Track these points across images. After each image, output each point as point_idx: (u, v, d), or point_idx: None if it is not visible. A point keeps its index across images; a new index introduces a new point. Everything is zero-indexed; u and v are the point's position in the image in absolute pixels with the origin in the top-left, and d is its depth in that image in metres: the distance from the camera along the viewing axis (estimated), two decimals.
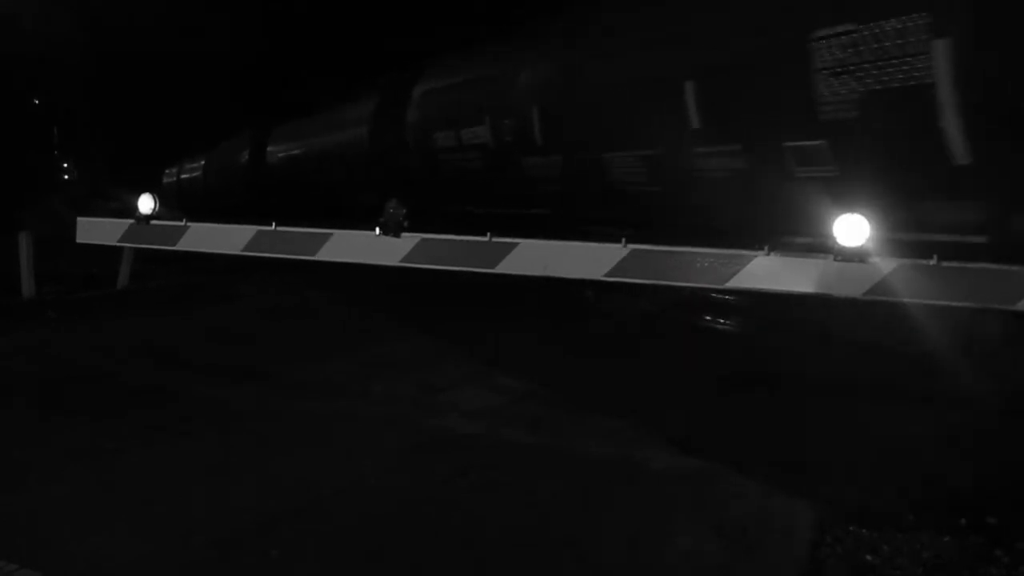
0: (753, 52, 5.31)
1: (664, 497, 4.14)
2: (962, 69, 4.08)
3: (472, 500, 4.09)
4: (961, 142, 4.22)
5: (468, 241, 4.59)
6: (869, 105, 4.59)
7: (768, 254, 3.82)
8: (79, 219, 5.95)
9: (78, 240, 5.95)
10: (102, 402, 5.70)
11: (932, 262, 3.51)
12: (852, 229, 3.61)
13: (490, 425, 5.27)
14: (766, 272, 3.81)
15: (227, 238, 5.42)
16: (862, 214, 3.62)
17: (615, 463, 4.60)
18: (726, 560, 3.48)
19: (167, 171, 20.96)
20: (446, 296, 8.96)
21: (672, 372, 6.57)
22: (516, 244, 4.42)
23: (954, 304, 3.53)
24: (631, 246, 4.14)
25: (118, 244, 5.98)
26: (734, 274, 3.87)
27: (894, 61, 4.39)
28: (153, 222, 5.59)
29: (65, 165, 24.88)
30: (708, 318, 8.44)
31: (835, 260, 3.66)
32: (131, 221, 5.65)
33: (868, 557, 3.39)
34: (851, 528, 3.61)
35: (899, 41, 4.33)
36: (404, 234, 4.72)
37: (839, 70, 4.67)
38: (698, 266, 3.95)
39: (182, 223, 5.52)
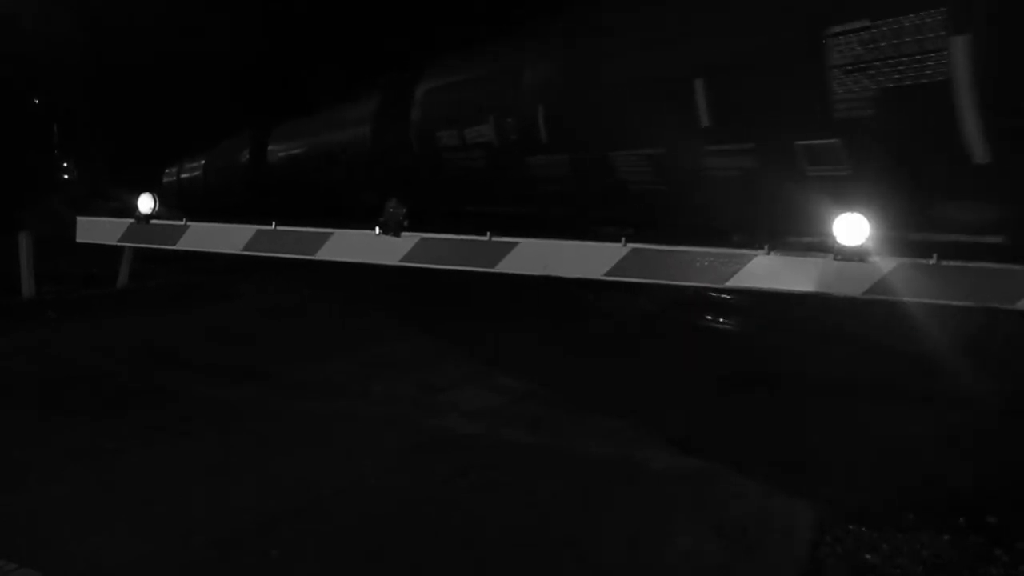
0: (765, 49, 5.23)
1: (664, 497, 4.14)
2: (981, 66, 4.01)
3: (472, 500, 4.08)
4: (980, 141, 4.14)
5: (468, 240, 4.59)
6: (884, 103, 4.52)
7: (768, 253, 3.82)
8: (79, 219, 5.96)
9: (78, 240, 5.95)
10: (102, 402, 5.70)
11: (932, 261, 3.51)
12: (852, 228, 3.61)
13: (490, 425, 5.27)
14: (766, 271, 3.82)
15: (227, 237, 5.43)
16: (862, 213, 3.62)
17: (615, 463, 4.60)
18: (726, 560, 3.48)
19: (167, 171, 20.96)
20: (446, 296, 8.97)
21: (672, 372, 6.57)
22: (516, 243, 4.42)
23: (954, 303, 3.53)
24: (631, 245, 4.14)
25: (118, 244, 5.99)
26: (734, 273, 3.87)
27: (911, 58, 4.31)
28: (153, 221, 5.59)
29: (65, 165, 24.89)
30: (708, 318, 8.44)
31: (835, 259, 3.66)
32: (131, 221, 5.66)
33: (868, 556, 3.39)
34: (851, 528, 3.61)
35: (916, 37, 4.26)
36: (404, 233, 4.72)
37: (853, 67, 4.60)
38: (698, 265, 3.96)
39: (182, 223, 5.52)
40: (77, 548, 3.52)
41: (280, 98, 18.06)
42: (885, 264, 3.57)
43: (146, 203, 5.53)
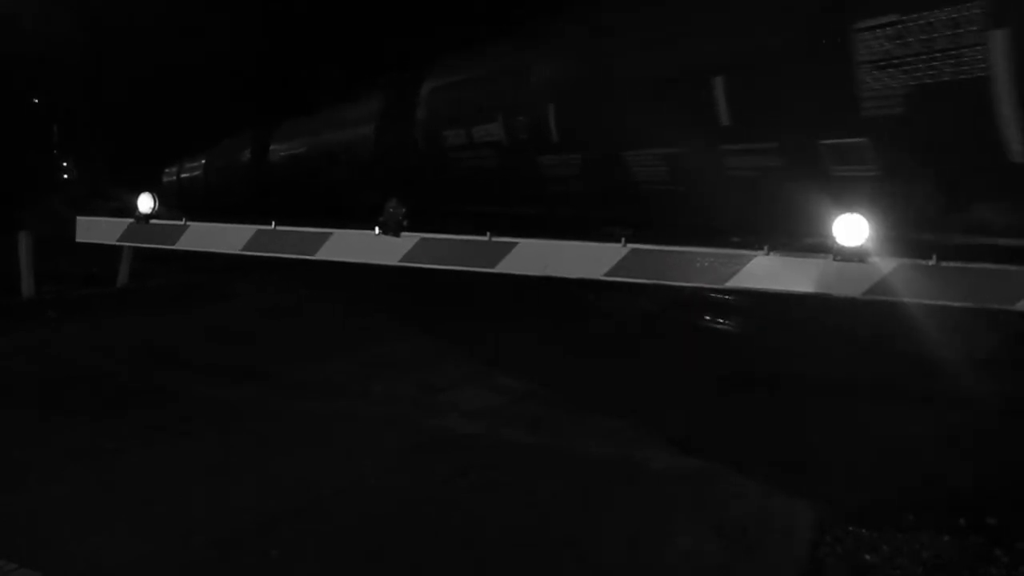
0: (789, 44, 5.08)
1: (664, 497, 4.14)
2: (1021, 61, 3.87)
3: (472, 500, 4.09)
4: (1019, 139, 4.02)
5: (468, 240, 4.58)
6: (916, 100, 4.37)
7: (768, 254, 3.81)
8: (79, 218, 5.94)
9: (78, 239, 5.94)
10: (102, 402, 5.70)
11: (932, 262, 3.50)
12: (852, 229, 3.61)
13: (490, 425, 5.27)
14: (766, 272, 3.80)
15: (227, 237, 5.41)
16: (861, 213, 3.61)
17: (615, 463, 4.60)
18: (726, 560, 3.48)
19: (167, 170, 20.97)
20: (446, 296, 8.97)
21: (672, 372, 6.57)
22: (516, 244, 4.41)
23: (954, 304, 3.52)
24: (631, 245, 4.13)
25: (118, 243, 5.98)
26: (734, 274, 3.86)
27: (945, 53, 4.16)
28: (153, 221, 5.58)
29: (65, 165, 24.89)
30: (708, 318, 8.44)
31: (835, 260, 3.65)
32: (131, 220, 5.65)
33: (868, 557, 3.39)
34: (851, 528, 3.61)
35: (951, 32, 4.10)
36: (404, 233, 4.71)
37: (883, 63, 4.45)
38: (698, 266, 3.95)
39: (182, 222, 5.51)
40: (77, 548, 3.52)
41: (281, 98, 18.06)
42: (885, 265, 3.56)
43: (146, 203, 5.52)
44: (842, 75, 4.67)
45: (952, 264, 3.48)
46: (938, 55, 4.22)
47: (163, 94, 21.73)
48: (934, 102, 4.33)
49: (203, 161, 18.76)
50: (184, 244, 5.51)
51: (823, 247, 3.74)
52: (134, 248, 8.65)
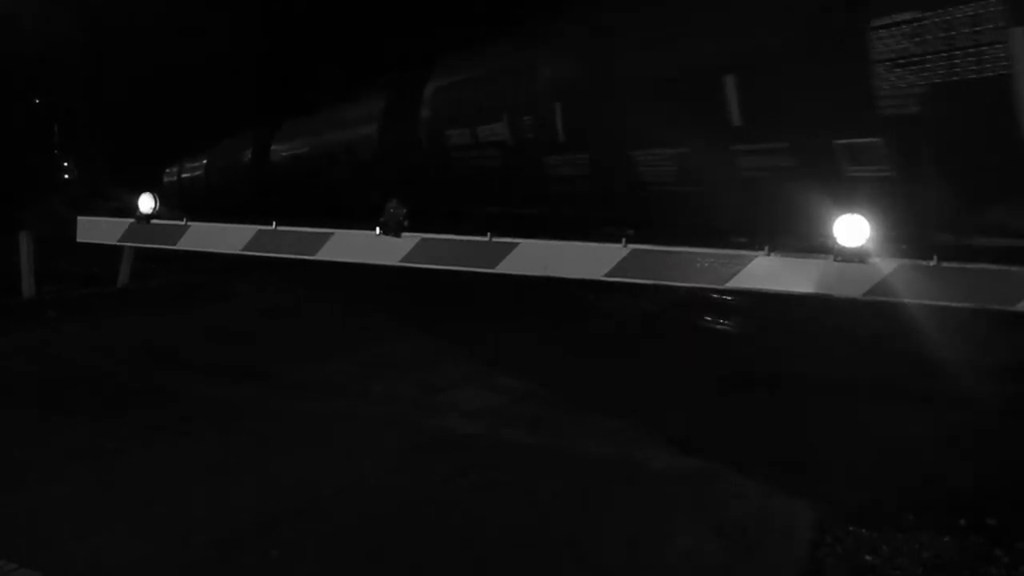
0: (802, 42, 5.02)
1: (664, 497, 4.14)
2: None
3: (472, 500, 4.09)
4: None
5: (468, 241, 4.59)
6: (933, 99, 4.32)
7: (768, 254, 3.82)
8: (79, 218, 5.95)
9: (78, 239, 5.95)
10: (102, 402, 5.70)
11: (932, 263, 3.51)
12: (852, 229, 3.61)
13: (490, 425, 5.27)
14: (766, 272, 3.81)
15: (227, 238, 5.42)
16: (862, 214, 3.62)
17: (615, 463, 4.60)
18: (726, 560, 3.48)
19: (168, 170, 20.98)
20: (446, 295, 8.97)
21: (672, 372, 6.57)
22: (516, 244, 4.42)
23: (954, 305, 3.52)
24: (631, 246, 4.13)
25: (118, 243, 5.98)
26: (734, 274, 3.87)
27: (964, 51, 4.12)
28: (153, 221, 5.59)
29: (65, 165, 24.90)
30: (708, 319, 8.44)
31: (835, 261, 3.66)
32: (131, 220, 5.66)
33: (868, 557, 3.39)
34: (851, 528, 3.61)
35: (971, 29, 4.06)
36: (404, 234, 4.72)
37: (900, 62, 4.40)
38: (698, 266, 3.95)
39: (182, 222, 5.52)
40: (77, 548, 3.52)
41: (281, 98, 18.07)
42: (885, 266, 3.57)
43: (146, 203, 5.53)
44: (858, 74, 4.62)
45: (952, 265, 3.49)
46: (957, 53, 4.16)
47: (163, 94, 21.74)
48: (952, 101, 4.28)
49: (204, 161, 18.77)
50: (185, 244, 5.52)
51: (823, 248, 3.75)
52: (135, 248, 8.66)
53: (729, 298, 8.27)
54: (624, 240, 4.16)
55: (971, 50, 4.11)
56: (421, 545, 3.62)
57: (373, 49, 17.84)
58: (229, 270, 11.00)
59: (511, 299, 8.05)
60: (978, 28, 4.06)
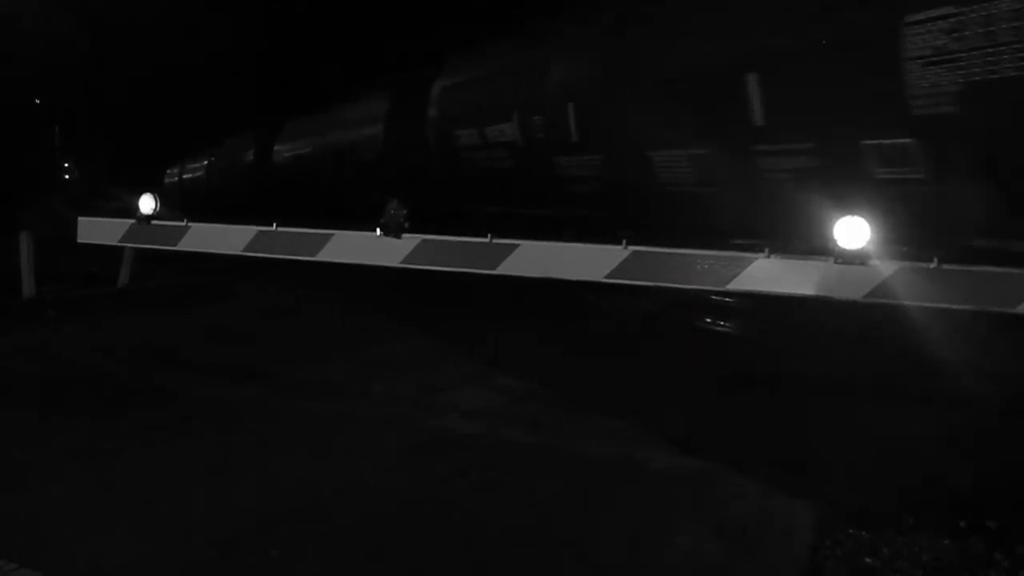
0: (828, 39, 4.86)
1: (664, 497, 4.14)
2: None
3: (472, 500, 4.09)
4: None
5: (469, 242, 4.59)
6: (971, 98, 4.17)
7: (768, 256, 3.82)
8: (80, 219, 5.95)
9: (79, 240, 5.95)
10: (102, 402, 5.70)
11: (933, 265, 3.51)
12: (853, 231, 3.61)
13: (490, 425, 5.27)
14: (767, 274, 3.81)
15: (228, 238, 5.42)
16: (862, 216, 3.62)
17: (615, 463, 4.60)
18: (726, 560, 3.48)
19: (169, 171, 20.99)
20: (446, 296, 8.96)
21: (672, 372, 6.57)
22: (517, 245, 4.42)
23: (955, 307, 3.52)
24: (632, 247, 4.13)
25: (119, 244, 5.98)
26: (734, 276, 3.87)
27: (1008, 47, 3.95)
28: (154, 222, 5.59)
29: (66, 165, 24.90)
30: (708, 320, 8.43)
31: (836, 263, 3.66)
32: (132, 221, 5.65)
33: (868, 560, 3.39)
34: (851, 531, 3.60)
35: (1013, 24, 3.91)
36: (405, 235, 4.72)
37: (935, 59, 4.24)
38: (699, 268, 3.95)
39: (183, 223, 5.52)
40: (77, 548, 3.52)
41: (282, 98, 18.07)
42: (886, 268, 3.57)
43: (147, 203, 5.53)
44: (890, 72, 4.48)
45: (953, 267, 3.49)
46: (998, 49, 4.03)
47: (163, 94, 21.74)
48: (991, 99, 4.15)
49: (205, 162, 18.78)
50: (185, 245, 5.52)
51: (824, 250, 3.75)
52: (135, 249, 8.66)
53: (729, 299, 8.26)
54: (624, 241, 4.16)
55: (1016, 45, 3.94)
56: (421, 545, 3.62)
57: (373, 49, 17.84)
58: (230, 271, 11.00)
59: (511, 299, 8.05)
60: (1020, 23, 3.91)
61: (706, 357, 7.12)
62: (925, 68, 4.32)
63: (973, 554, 3.40)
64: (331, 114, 13.02)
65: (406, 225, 4.71)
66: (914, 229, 4.52)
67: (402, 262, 4.74)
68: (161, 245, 5.66)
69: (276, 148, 14.60)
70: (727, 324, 8.29)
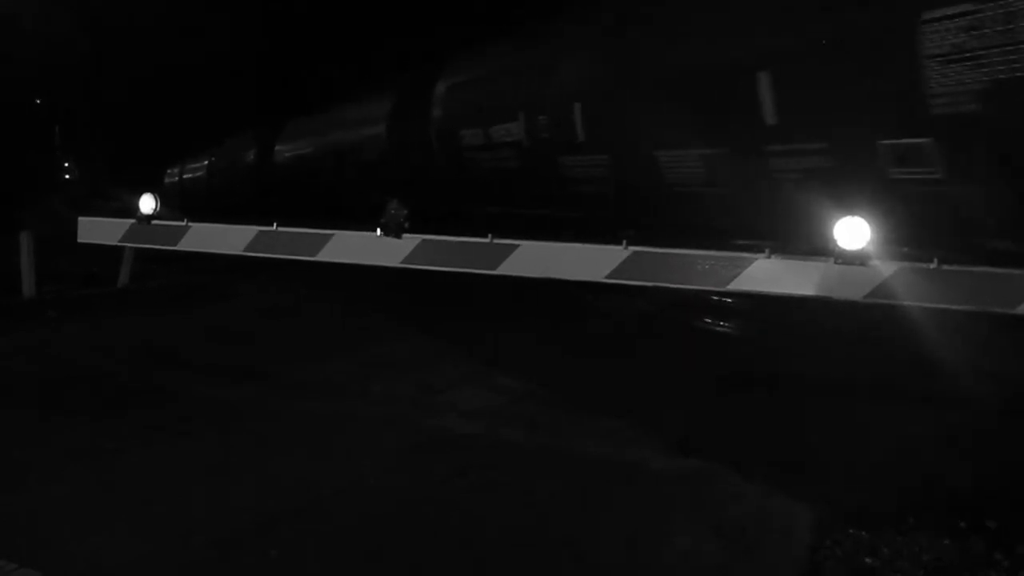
0: (843, 36, 4.79)
1: (663, 497, 4.14)
2: None
3: (471, 500, 4.09)
4: None
5: (469, 242, 4.60)
6: (991, 97, 4.11)
7: (769, 257, 3.82)
8: (80, 219, 5.96)
9: (79, 240, 5.96)
10: (102, 402, 5.70)
11: (932, 265, 3.51)
12: (853, 232, 3.61)
13: (489, 425, 5.27)
14: (767, 275, 3.82)
15: (228, 238, 5.43)
16: (862, 216, 3.62)
17: (614, 463, 4.60)
18: (725, 560, 3.48)
19: (169, 171, 21.00)
20: (445, 296, 8.96)
21: (671, 372, 6.57)
22: (517, 246, 4.43)
23: (955, 307, 3.52)
24: (632, 248, 4.14)
25: (119, 244, 5.99)
26: (735, 276, 3.87)
27: None
28: (154, 222, 5.59)
29: (66, 165, 24.90)
30: (707, 320, 8.44)
31: (836, 263, 3.66)
32: (132, 221, 5.66)
33: (867, 560, 3.39)
34: (851, 531, 3.60)
35: None
36: (405, 235, 4.72)
37: (954, 57, 4.18)
38: (699, 268, 3.96)
39: (183, 223, 5.52)
40: (77, 548, 3.52)
41: (282, 98, 18.07)
42: (886, 268, 3.57)
43: (147, 203, 5.54)
44: (907, 70, 4.42)
45: (953, 267, 3.49)
46: (1018, 47, 3.96)
47: (163, 94, 21.74)
48: (1010, 97, 4.09)
49: (205, 162, 18.78)
50: (186, 245, 5.53)
51: (824, 250, 3.75)
52: (136, 249, 8.66)
53: (728, 299, 8.26)
54: (625, 242, 4.16)
55: None
56: (420, 545, 3.62)
57: (373, 49, 17.85)
58: (231, 271, 11.00)
59: (510, 299, 8.05)
60: None
61: (705, 357, 7.12)
62: (943, 66, 4.28)
63: (973, 554, 3.40)
64: (332, 114, 13.02)
65: (406, 225, 4.71)
66: (926, 229, 4.49)
67: (402, 262, 4.75)
68: (161, 245, 5.67)
69: (277, 148, 14.61)
70: (726, 324, 8.29)
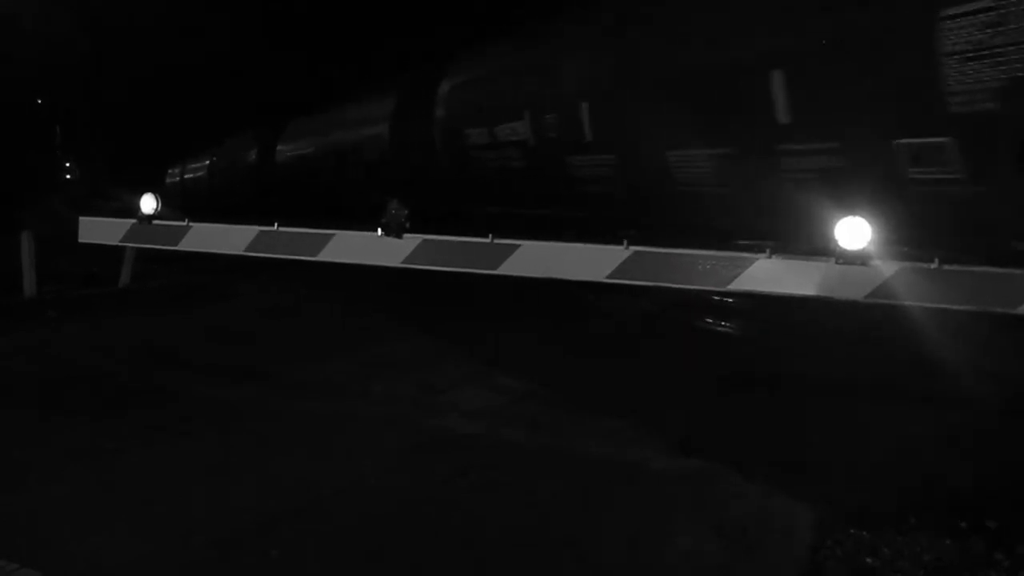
0: (858, 34, 4.74)
1: (664, 497, 4.14)
2: None
3: (472, 500, 4.09)
4: None
5: (470, 242, 4.59)
6: (1012, 95, 4.06)
7: (770, 256, 3.81)
8: (81, 219, 5.95)
9: (80, 240, 5.95)
10: (102, 402, 5.70)
11: (934, 265, 3.50)
12: (854, 232, 3.61)
13: (490, 425, 5.27)
14: (768, 275, 3.81)
15: (229, 238, 5.42)
16: (863, 216, 3.62)
17: (615, 463, 4.60)
18: (726, 560, 3.48)
19: (170, 171, 21.01)
20: (446, 295, 8.96)
21: (672, 372, 6.57)
22: (518, 246, 4.42)
23: (955, 307, 3.52)
24: (633, 248, 4.13)
25: (120, 244, 5.98)
26: (736, 276, 3.86)
27: None
28: (155, 222, 5.59)
29: (67, 165, 24.91)
30: (708, 320, 8.43)
31: (837, 263, 3.66)
32: (133, 221, 5.66)
33: (868, 560, 3.39)
34: (852, 531, 3.60)
35: None
36: (406, 235, 4.72)
37: (972, 54, 4.13)
38: (700, 268, 3.95)
39: (184, 223, 5.52)
40: (77, 548, 3.52)
41: (282, 98, 18.07)
42: (887, 268, 3.57)
43: (148, 203, 5.53)
44: (926, 67, 4.37)
45: (954, 267, 3.48)
46: None
47: (164, 94, 21.76)
48: None
49: (206, 162, 18.79)
50: (186, 245, 5.52)
51: (825, 250, 3.74)
52: (136, 249, 8.66)
53: (729, 299, 8.26)
54: (626, 242, 4.16)
55: None
56: (421, 545, 3.62)
57: (373, 49, 17.85)
58: (232, 271, 11.00)
59: (511, 299, 8.05)
60: None
61: (706, 357, 7.12)
62: (962, 63, 4.23)
63: (974, 554, 3.40)
64: (333, 114, 13.01)
65: (407, 225, 4.71)
66: (940, 231, 4.46)
67: (403, 262, 4.74)
68: (162, 245, 5.66)
69: (278, 148, 14.61)
70: (727, 324, 8.29)
